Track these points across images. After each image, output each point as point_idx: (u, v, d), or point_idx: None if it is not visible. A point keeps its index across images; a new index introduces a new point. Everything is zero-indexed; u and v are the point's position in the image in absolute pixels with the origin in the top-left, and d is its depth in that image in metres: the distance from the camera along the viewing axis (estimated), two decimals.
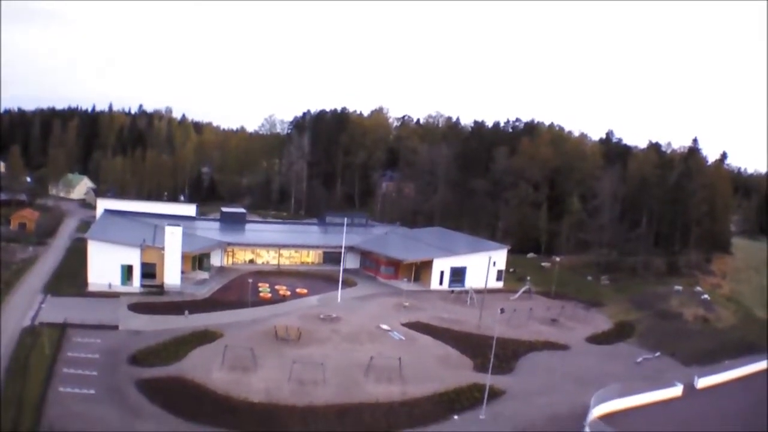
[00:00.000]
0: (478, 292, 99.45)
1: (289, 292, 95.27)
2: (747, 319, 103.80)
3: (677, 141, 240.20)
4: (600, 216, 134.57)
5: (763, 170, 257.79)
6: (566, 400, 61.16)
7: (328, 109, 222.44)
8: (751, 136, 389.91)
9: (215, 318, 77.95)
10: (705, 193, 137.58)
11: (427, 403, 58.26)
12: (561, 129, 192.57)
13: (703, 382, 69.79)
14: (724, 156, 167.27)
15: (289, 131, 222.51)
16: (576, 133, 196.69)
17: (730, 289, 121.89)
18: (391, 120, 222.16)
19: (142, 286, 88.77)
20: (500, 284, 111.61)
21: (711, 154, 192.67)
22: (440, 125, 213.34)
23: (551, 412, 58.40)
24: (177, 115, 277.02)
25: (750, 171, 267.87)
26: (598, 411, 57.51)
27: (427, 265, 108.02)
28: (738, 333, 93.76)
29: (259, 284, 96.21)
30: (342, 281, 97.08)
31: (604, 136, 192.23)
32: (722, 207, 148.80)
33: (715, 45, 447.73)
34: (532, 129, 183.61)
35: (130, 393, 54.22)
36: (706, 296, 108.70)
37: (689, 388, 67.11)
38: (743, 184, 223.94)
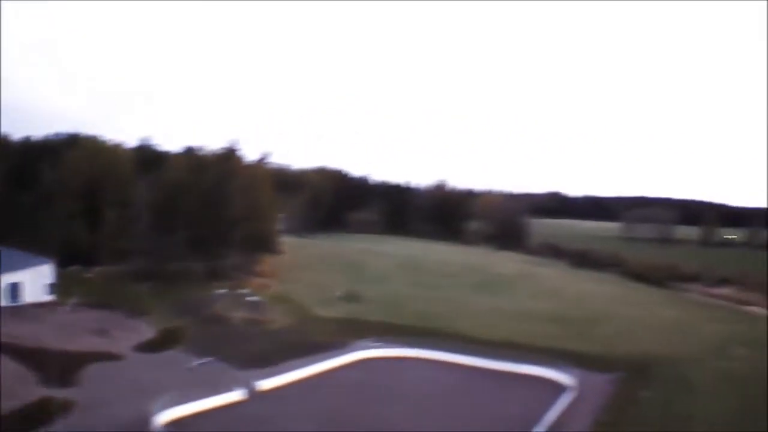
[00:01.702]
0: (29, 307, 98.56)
1: None
2: (303, 318, 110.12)
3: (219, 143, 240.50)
4: (135, 224, 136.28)
5: (309, 166, 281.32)
6: (129, 409, 63.98)
7: None
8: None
9: None
10: (245, 195, 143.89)
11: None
12: (101, 140, 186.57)
13: (264, 385, 73.56)
14: (264, 155, 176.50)
15: None
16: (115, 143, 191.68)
17: (282, 288, 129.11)
18: None
19: None
20: (50, 298, 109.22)
21: (253, 154, 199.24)
22: None
23: (118, 422, 61.12)
24: None
25: (297, 167, 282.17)
26: (161, 418, 61.68)
27: None
28: (295, 333, 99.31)
29: None
30: None
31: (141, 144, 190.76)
32: (265, 206, 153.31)
33: (279, 40, 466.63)
34: (74, 141, 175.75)
35: None
36: (253, 298, 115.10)
37: (251, 392, 71.55)
38: (290, 182, 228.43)
